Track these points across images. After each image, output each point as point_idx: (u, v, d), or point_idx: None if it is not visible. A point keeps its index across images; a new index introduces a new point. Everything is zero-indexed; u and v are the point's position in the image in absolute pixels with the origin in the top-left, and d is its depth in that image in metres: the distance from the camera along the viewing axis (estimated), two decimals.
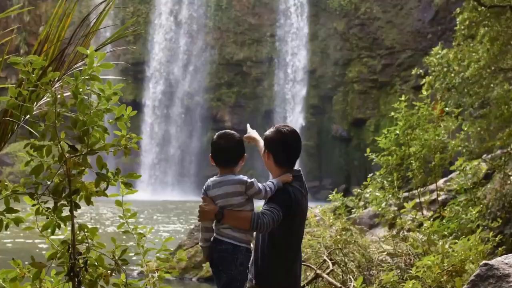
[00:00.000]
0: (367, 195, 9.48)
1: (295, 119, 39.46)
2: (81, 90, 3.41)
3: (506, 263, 4.44)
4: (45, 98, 3.47)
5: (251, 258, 3.83)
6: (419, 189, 10.45)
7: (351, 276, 7.15)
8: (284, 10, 40.71)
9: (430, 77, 12.44)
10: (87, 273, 3.53)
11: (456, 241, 6.82)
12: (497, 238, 7.23)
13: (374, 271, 7.28)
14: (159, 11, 41.43)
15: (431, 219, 8.05)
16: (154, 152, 40.48)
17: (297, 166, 3.94)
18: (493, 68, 11.89)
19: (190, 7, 41.64)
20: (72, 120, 3.43)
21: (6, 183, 3.45)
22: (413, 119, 10.06)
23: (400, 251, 7.55)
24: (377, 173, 9.72)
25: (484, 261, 4.55)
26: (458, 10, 13.14)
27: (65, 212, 3.53)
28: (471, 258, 6.31)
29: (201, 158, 39.61)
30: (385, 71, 38.47)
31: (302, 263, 5.39)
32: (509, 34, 11.74)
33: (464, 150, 10.84)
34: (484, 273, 4.43)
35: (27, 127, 3.38)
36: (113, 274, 3.70)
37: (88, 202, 3.54)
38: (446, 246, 6.60)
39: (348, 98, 39.53)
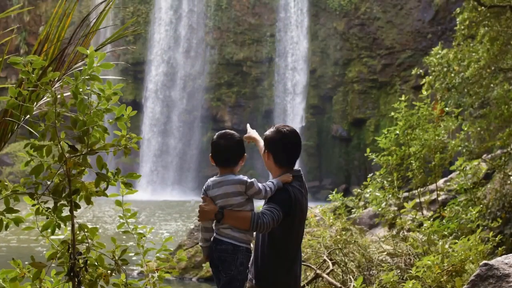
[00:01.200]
0: (367, 195, 9.46)
1: (296, 111, 39.63)
2: (81, 90, 3.41)
3: (506, 263, 4.44)
4: (45, 98, 3.47)
5: (251, 258, 3.83)
6: (419, 189, 10.45)
7: (351, 276, 7.15)
8: (284, 5, 40.70)
9: (430, 77, 12.43)
10: (87, 273, 3.53)
11: (456, 241, 6.82)
12: (497, 238, 7.23)
13: (374, 271, 7.28)
14: (159, 6, 41.38)
15: (431, 219, 8.04)
16: (152, 161, 40.46)
17: (297, 166, 3.94)
18: (493, 68, 11.89)
19: (190, 2, 41.60)
20: (72, 120, 3.44)
21: (6, 183, 3.45)
22: (413, 119, 10.06)
23: (400, 251, 7.55)
24: (377, 173, 9.71)
25: (484, 261, 4.55)
26: (458, 10, 13.14)
27: (65, 212, 3.53)
28: (471, 258, 6.31)
29: (201, 158, 39.64)
30: (385, 71, 38.49)
31: (302, 263, 5.39)
32: (509, 34, 11.74)
33: (464, 150, 10.84)
34: (484, 273, 4.43)
35: (27, 127, 3.38)
36: (113, 274, 3.70)
37: (88, 202, 3.54)
38: (446, 246, 6.60)
39: (348, 98, 39.54)
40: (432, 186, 11.74)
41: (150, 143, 40.44)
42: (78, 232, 3.57)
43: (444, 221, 8.76)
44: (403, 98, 9.99)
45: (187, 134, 41.05)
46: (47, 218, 3.53)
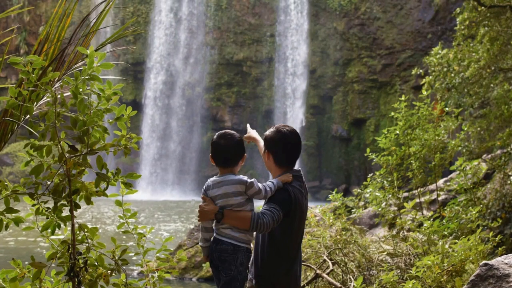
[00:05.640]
0: (367, 195, 9.46)
1: (295, 115, 39.51)
2: (81, 90, 3.41)
3: (506, 263, 4.44)
4: (45, 98, 3.47)
5: (251, 258, 3.83)
6: (419, 189, 10.44)
7: (351, 276, 7.15)
8: (284, 7, 40.72)
9: (430, 77, 12.44)
10: (87, 273, 3.53)
11: (456, 241, 6.82)
12: (497, 238, 7.23)
13: (374, 271, 7.28)
14: (159, 8, 41.42)
15: (431, 219, 8.04)
16: (155, 147, 40.43)
17: (297, 166, 3.94)
18: (493, 68, 11.88)
19: (190, 4, 41.65)
20: (72, 120, 3.44)
21: (6, 183, 3.45)
22: (413, 119, 10.06)
23: (400, 251, 7.54)
24: (377, 173, 9.70)
25: (484, 261, 4.56)
26: (458, 10, 13.14)
27: (65, 212, 3.53)
28: (471, 258, 6.31)
29: (201, 158, 39.64)
30: (385, 71, 38.49)
31: (302, 263, 5.39)
32: (509, 34, 11.74)
33: (464, 150, 10.84)
34: (484, 273, 4.43)
35: (27, 127, 3.38)
36: (113, 274, 3.70)
37: (88, 202, 3.54)
38: (446, 246, 6.60)
39: (348, 98, 39.55)
40: (432, 186, 11.74)
41: (154, 122, 40.41)
42: (78, 232, 3.57)
43: (444, 221, 8.75)
44: (403, 98, 9.99)
45: (189, 118, 41.01)
46: (47, 218, 3.53)
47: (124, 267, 3.74)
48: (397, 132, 10.03)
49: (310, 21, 40.28)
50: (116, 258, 3.71)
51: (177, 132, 40.85)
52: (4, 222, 3.43)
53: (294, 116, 39.77)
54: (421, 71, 12.59)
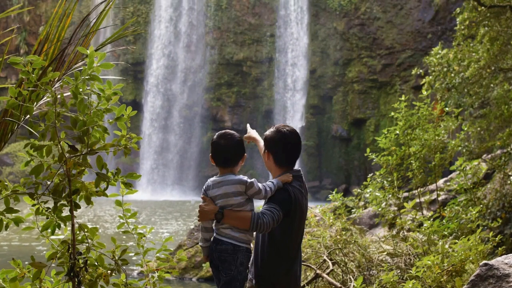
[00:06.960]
0: (367, 195, 9.46)
1: (295, 125, 39.56)
2: (81, 90, 3.41)
3: (506, 263, 4.44)
4: (45, 98, 3.47)
5: (251, 258, 3.83)
6: (419, 189, 10.44)
7: (351, 276, 7.15)
8: (284, 16, 40.68)
9: (430, 77, 12.44)
10: (87, 273, 3.53)
11: (456, 241, 6.82)
12: (497, 238, 7.23)
13: (374, 271, 7.28)
14: (159, 18, 41.28)
15: (431, 219, 8.04)
16: (152, 158, 40.44)
17: (297, 166, 3.94)
18: (493, 68, 11.88)
19: (190, 13, 41.53)
20: (72, 120, 3.44)
21: (6, 183, 3.45)
22: (413, 119, 10.06)
23: (400, 251, 7.54)
24: (377, 173, 9.70)
25: (484, 261, 4.55)
26: (458, 10, 13.14)
27: (65, 212, 3.53)
28: (471, 258, 6.31)
29: (201, 160, 39.64)
30: (385, 71, 38.49)
31: (302, 263, 5.39)
32: (509, 34, 11.74)
33: (464, 150, 10.84)
34: (484, 273, 4.43)
35: (27, 127, 3.38)
36: (113, 274, 3.70)
37: (88, 202, 3.54)
38: (446, 246, 6.60)
39: (348, 98, 39.55)
40: (432, 186, 11.74)
41: (151, 139, 40.45)
42: (78, 232, 3.57)
43: (444, 221, 8.75)
44: (403, 98, 9.99)
45: (187, 131, 41.03)
46: (47, 218, 3.53)
47: (124, 267, 3.74)
48: (397, 132, 10.03)
49: (310, 25, 40.22)
50: (116, 258, 3.71)
51: (175, 145, 40.88)
52: (4, 222, 3.43)
53: (295, 109, 39.81)
54: (421, 71, 12.59)
